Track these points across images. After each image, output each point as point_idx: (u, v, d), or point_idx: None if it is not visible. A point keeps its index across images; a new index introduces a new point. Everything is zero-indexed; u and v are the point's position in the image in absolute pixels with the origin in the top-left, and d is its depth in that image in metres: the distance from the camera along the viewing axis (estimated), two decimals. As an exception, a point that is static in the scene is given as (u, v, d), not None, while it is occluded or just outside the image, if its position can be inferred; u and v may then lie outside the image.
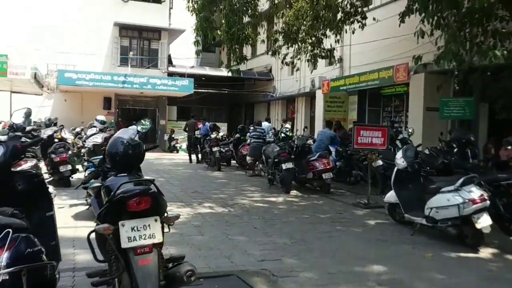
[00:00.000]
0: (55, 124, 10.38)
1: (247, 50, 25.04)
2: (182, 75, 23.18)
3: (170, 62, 24.62)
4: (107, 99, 22.99)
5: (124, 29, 23.08)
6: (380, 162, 9.02)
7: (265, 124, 15.38)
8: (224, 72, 25.24)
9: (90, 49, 22.07)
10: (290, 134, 11.01)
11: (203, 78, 24.86)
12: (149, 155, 18.40)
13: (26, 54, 12.41)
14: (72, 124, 19.17)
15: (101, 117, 10.37)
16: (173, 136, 23.28)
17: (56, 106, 22.25)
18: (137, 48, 23.39)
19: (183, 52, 24.83)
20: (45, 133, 9.38)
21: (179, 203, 8.04)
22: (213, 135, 14.42)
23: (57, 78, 19.69)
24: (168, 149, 23.11)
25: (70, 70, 20.31)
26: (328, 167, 9.52)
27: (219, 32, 10.67)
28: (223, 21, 10.60)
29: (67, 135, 9.68)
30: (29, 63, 12.03)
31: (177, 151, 22.62)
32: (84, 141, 9.42)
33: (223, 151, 13.93)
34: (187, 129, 17.12)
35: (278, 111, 24.85)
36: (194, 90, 22.24)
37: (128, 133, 3.69)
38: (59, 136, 9.39)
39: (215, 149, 13.65)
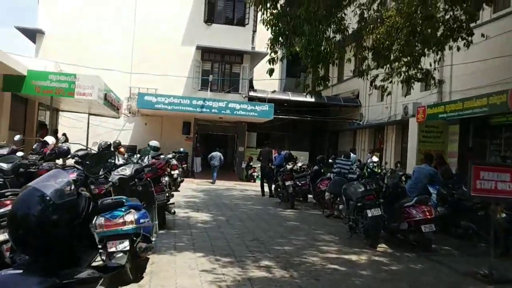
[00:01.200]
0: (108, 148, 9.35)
1: (333, 72, 23.37)
2: (263, 100, 22.01)
3: (251, 86, 23.64)
4: (186, 123, 22.46)
5: (206, 53, 22.55)
6: (503, 215, 6.67)
7: (352, 156, 13.44)
8: (307, 98, 23.75)
9: (172, 73, 21.76)
10: (378, 169, 8.98)
11: (285, 104, 23.52)
12: (221, 184, 17.20)
13: (94, 75, 11.89)
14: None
15: (154, 143, 9.19)
16: (250, 164, 22.01)
17: (137, 129, 22.12)
18: (218, 72, 22.71)
19: (266, 77, 23.74)
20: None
21: (227, 257, 6.35)
22: (289, 166, 12.71)
23: (137, 101, 19.45)
24: (245, 178, 21.87)
25: (150, 94, 20.00)
26: (429, 216, 7.32)
27: (297, 48, 9.12)
28: (302, 38, 9.06)
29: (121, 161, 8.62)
30: (96, 83, 11.42)
31: (254, 180, 21.25)
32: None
33: (299, 184, 12.13)
34: (260, 158, 15.66)
35: (364, 141, 22.64)
36: (275, 116, 20.90)
37: (57, 177, 2.19)
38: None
39: (288, 183, 11.89)
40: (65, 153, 7.74)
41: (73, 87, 11.12)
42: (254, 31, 23.84)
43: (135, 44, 21.77)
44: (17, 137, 8.70)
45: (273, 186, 14.37)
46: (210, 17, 22.62)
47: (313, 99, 24.19)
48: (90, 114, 17.69)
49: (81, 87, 11.11)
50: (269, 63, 8.67)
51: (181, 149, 16.45)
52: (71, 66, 16.86)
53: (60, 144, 8.16)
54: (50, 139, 8.40)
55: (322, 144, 27.15)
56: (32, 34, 20.94)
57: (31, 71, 11.23)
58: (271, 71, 8.65)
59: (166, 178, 7.59)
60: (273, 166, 14.10)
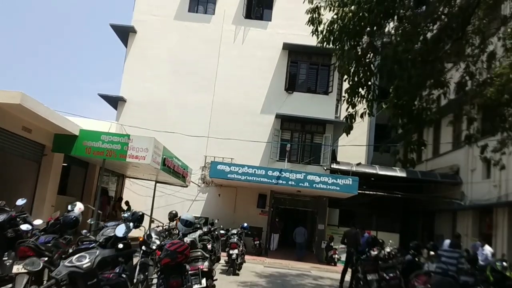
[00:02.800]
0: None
1: (427, 137, 20.57)
2: (346, 173, 19.90)
3: (334, 158, 21.72)
4: (261, 196, 20.85)
5: (286, 121, 21.30)
6: None
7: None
8: (398, 173, 21.20)
9: (250, 142, 20.71)
10: (509, 272, 6.38)
11: (372, 179, 21.14)
12: (295, 267, 14.85)
13: (149, 137, 10.87)
14: (225, 222, 17.25)
15: (187, 216, 7.22)
16: (331, 244, 19.53)
17: (210, 200, 20.90)
18: (298, 141, 21.21)
19: (350, 149, 21.79)
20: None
21: None
22: (373, 253, 10.15)
23: (206, 168, 18.35)
24: (325, 260, 19.34)
25: (223, 163, 18.89)
26: None
27: (383, 105, 7.29)
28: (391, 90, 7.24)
29: (153, 237, 7.00)
30: (151, 146, 10.31)
31: (335, 264, 18.65)
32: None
33: (386, 278, 9.42)
34: (345, 240, 13.29)
35: (468, 225, 19.26)
36: (360, 191, 18.60)
37: None
38: (141, 239, 6.89)
39: (371, 277, 9.30)
40: (72, 224, 6.35)
41: (126, 148, 10.13)
42: (338, 100, 22.35)
43: (213, 113, 21.22)
44: (20, 202, 7.33)
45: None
46: (292, 85, 21.61)
47: (404, 174, 21.78)
48: (157, 181, 16.80)
49: (134, 149, 10.09)
50: (346, 120, 6.90)
51: (245, 224, 14.65)
52: (143, 131, 16.32)
53: (67, 213, 6.77)
54: (78, 206, 7.09)
55: (415, 225, 23.86)
56: (114, 101, 21.26)
57: (84, 131, 10.52)
58: (348, 129, 6.84)
59: (201, 263, 5.83)
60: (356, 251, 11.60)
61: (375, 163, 23.38)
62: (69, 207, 7.41)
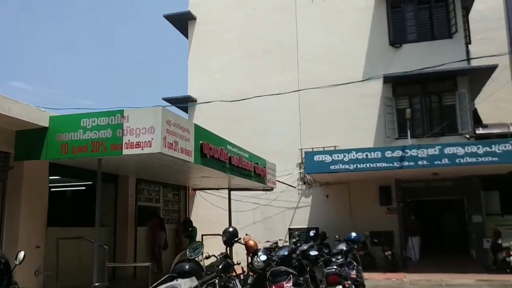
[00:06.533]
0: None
1: None
2: (502, 136, 13.81)
3: (477, 121, 15.62)
4: (384, 189, 15.46)
5: (400, 85, 15.80)
6: None
7: None
8: None
9: (354, 122, 15.70)
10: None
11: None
12: (454, 281, 9.04)
13: (155, 107, 6.36)
14: (339, 231, 12.36)
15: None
16: (499, 242, 13.48)
17: (316, 205, 16.11)
18: (421, 108, 15.52)
19: (503, 100, 15.61)
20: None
21: None
22: None
23: (303, 164, 13.68)
24: (493, 265, 13.36)
25: (321, 151, 14.11)
26: None
27: None
28: None
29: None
30: (158, 120, 6.00)
31: (511, 270, 12.57)
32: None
33: None
34: None
35: None
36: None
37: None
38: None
39: None
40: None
41: (120, 134, 5.96)
42: (468, 43, 16.29)
43: (302, 94, 16.53)
44: (20, 255, 3.79)
45: None
46: (399, 36, 16.09)
47: None
48: (231, 189, 12.50)
49: (134, 133, 5.90)
50: None
51: (352, 235, 9.15)
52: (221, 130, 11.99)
53: None
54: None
55: None
56: (183, 103, 17.74)
57: (56, 118, 6.45)
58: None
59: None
60: None
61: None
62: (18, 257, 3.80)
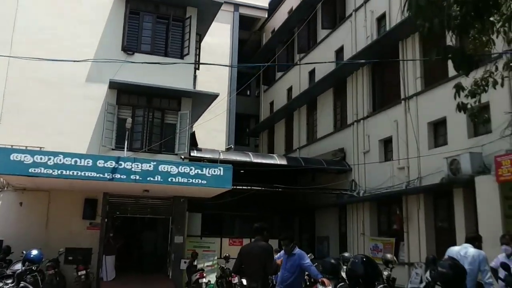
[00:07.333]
0: None
1: (299, 131, 15.37)
2: (212, 162, 14.50)
3: (194, 144, 16.13)
4: (90, 201, 14.01)
5: (125, 93, 14.94)
6: None
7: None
8: (276, 160, 16.61)
9: (69, 126, 13.92)
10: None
11: (242, 171, 16.17)
12: None
13: None
14: (30, 245, 10.02)
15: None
16: (195, 263, 13.86)
17: (4, 214, 13.34)
18: (143, 121, 14.99)
19: (215, 130, 16.56)
20: None
21: None
22: None
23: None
24: (186, 286, 13.61)
25: (22, 150, 11.76)
26: None
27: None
28: None
29: None
30: None
31: (201, 291, 12.99)
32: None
33: None
34: (241, 266, 6.45)
35: (362, 220, 15.48)
36: (234, 186, 13.34)
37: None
38: None
39: None
40: None
41: None
42: (196, 68, 16.92)
43: (10, 82, 13.85)
44: None
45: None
46: (132, 44, 15.34)
47: (284, 161, 17.28)
48: None
49: None
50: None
51: (31, 254, 7.23)
52: None
53: None
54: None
55: (291, 226, 19.56)
56: None
57: None
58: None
59: None
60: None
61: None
62: None
